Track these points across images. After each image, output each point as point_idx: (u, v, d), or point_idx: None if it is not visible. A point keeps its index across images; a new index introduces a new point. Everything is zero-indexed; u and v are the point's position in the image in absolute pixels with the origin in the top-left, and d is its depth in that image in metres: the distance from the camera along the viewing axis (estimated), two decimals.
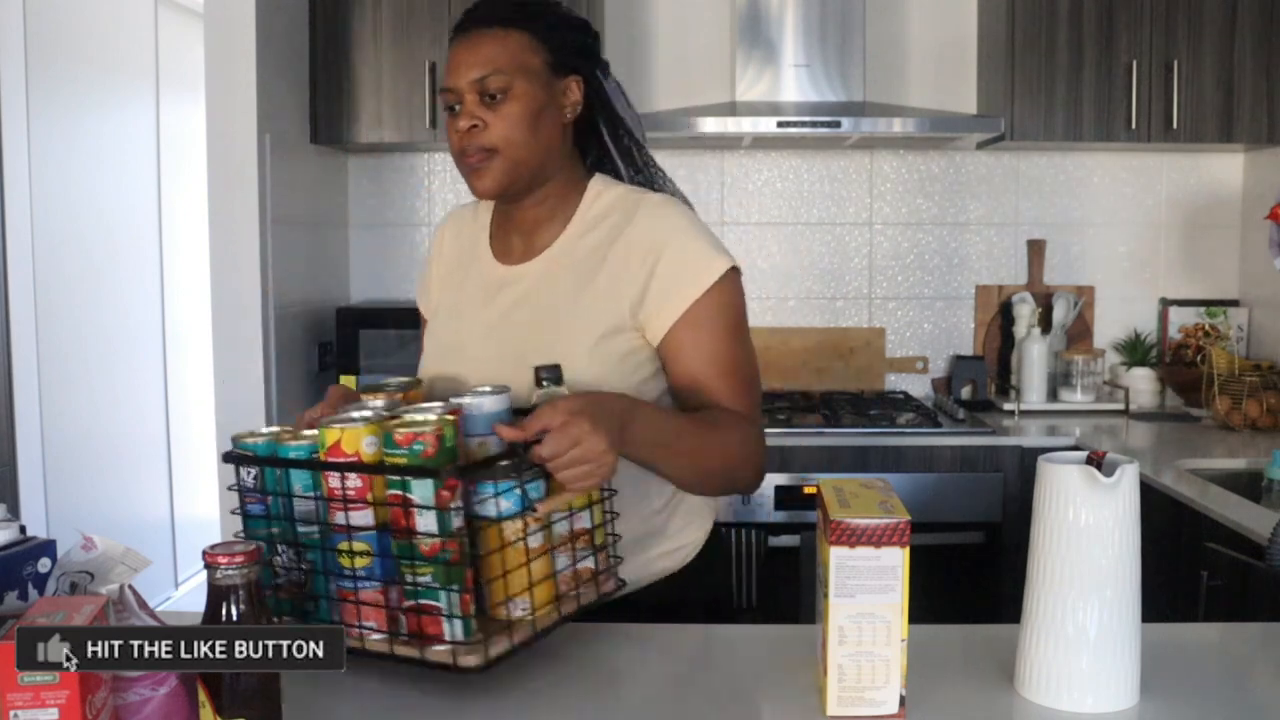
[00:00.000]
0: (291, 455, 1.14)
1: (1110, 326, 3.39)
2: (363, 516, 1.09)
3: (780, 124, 2.92)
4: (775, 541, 2.71)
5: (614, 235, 1.41)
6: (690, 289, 1.38)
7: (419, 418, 1.12)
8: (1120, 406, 3.18)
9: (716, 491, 1.46)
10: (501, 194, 1.39)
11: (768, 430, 2.77)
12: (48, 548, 1.06)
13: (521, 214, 1.44)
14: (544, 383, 1.24)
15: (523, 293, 1.43)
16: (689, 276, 1.39)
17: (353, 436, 1.08)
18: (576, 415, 1.13)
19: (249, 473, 1.15)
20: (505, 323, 1.43)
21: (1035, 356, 3.22)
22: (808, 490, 2.71)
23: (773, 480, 2.74)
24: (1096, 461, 1.10)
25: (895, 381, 3.41)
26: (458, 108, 1.37)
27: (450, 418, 1.11)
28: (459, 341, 1.47)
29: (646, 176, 1.52)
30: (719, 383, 1.39)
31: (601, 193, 1.45)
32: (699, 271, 1.39)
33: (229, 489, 1.18)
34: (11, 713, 0.82)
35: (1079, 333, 3.38)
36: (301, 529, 1.14)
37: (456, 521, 1.07)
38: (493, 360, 1.41)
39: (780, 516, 2.73)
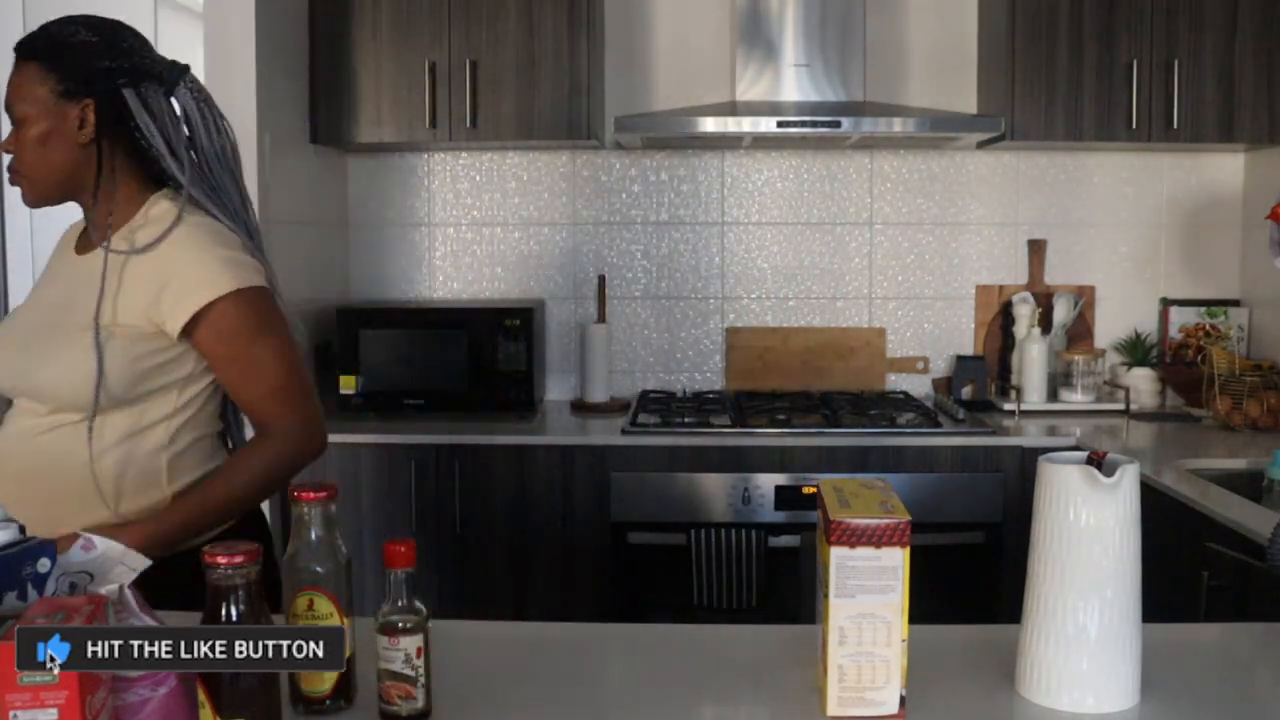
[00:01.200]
0: None
1: (1111, 326, 3.39)
2: None
3: (780, 124, 2.92)
4: (775, 541, 2.71)
5: (142, 245, 1.50)
6: (194, 300, 1.47)
7: None
8: (1121, 406, 3.17)
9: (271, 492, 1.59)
10: (36, 206, 1.58)
11: (768, 430, 2.80)
12: (47, 548, 1.06)
13: (88, 216, 1.59)
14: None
15: (62, 282, 1.58)
16: (193, 290, 1.47)
17: None
18: None
19: None
20: (33, 306, 1.62)
21: (1035, 356, 3.21)
22: (807, 490, 2.71)
23: (773, 480, 2.74)
24: (1097, 461, 1.10)
25: (895, 381, 3.41)
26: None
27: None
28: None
29: (215, 196, 1.58)
30: (243, 388, 1.53)
31: (153, 207, 1.54)
32: (202, 286, 1.48)
33: None
34: (11, 713, 0.82)
35: (1079, 333, 3.38)
36: None
37: None
38: (5, 341, 1.57)
39: (780, 516, 2.73)
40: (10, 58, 1.55)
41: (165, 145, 1.53)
